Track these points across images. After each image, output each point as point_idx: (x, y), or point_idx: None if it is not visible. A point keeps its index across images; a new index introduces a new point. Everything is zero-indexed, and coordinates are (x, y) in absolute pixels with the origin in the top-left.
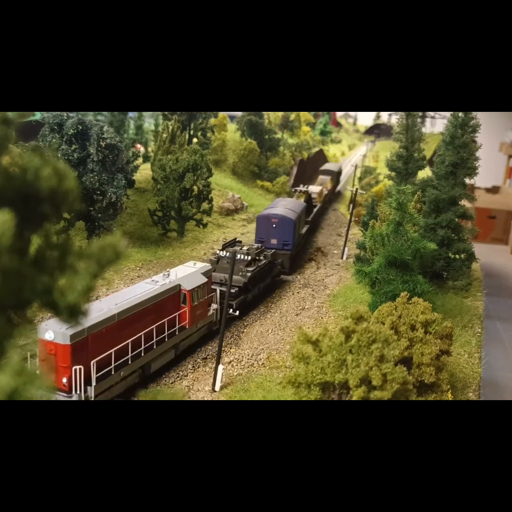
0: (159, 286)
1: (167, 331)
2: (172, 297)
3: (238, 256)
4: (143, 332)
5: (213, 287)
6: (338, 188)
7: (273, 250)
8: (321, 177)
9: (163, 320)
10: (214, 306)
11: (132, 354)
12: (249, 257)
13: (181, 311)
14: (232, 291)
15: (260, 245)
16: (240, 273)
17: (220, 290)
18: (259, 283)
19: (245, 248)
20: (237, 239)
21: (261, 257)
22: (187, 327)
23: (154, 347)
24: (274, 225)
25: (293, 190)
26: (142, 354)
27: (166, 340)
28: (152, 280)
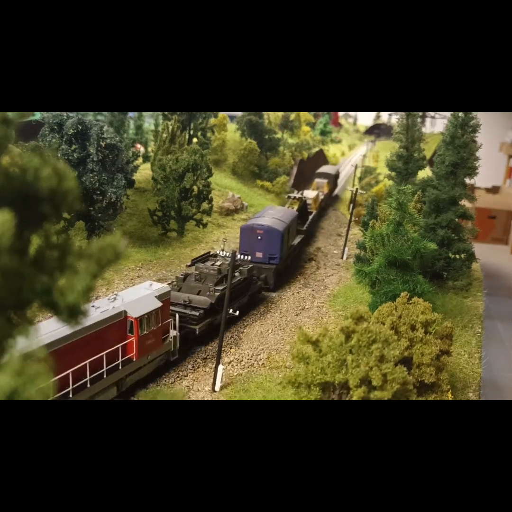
0: (98, 313)
1: (107, 366)
2: (116, 326)
3: (207, 270)
4: (72, 369)
5: (176, 309)
6: (336, 191)
7: (250, 265)
8: (317, 180)
9: (102, 354)
10: (173, 332)
11: (55, 396)
12: (220, 274)
13: (127, 341)
14: (197, 313)
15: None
16: (208, 293)
17: (183, 314)
18: (233, 303)
19: (217, 263)
20: (210, 253)
21: (236, 273)
22: (134, 360)
23: (87, 385)
24: (259, 237)
25: (286, 197)
26: (71, 396)
27: (105, 376)
28: (93, 306)
